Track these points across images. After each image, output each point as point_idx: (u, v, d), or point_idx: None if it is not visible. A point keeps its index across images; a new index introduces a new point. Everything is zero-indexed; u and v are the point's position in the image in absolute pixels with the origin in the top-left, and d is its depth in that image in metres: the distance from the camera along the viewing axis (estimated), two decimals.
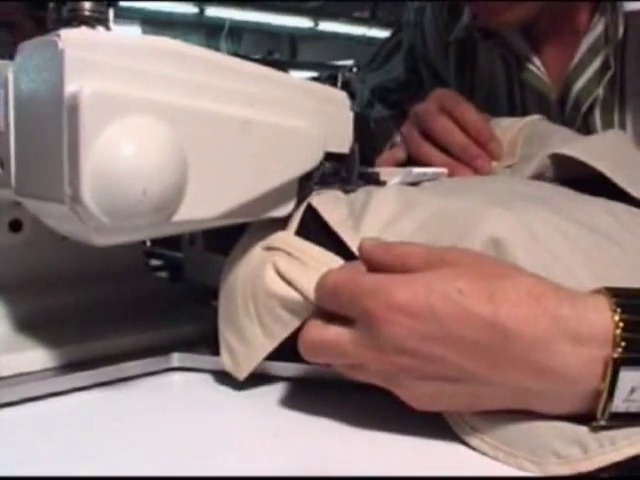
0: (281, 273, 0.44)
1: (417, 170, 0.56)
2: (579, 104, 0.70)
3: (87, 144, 0.36)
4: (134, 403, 0.46)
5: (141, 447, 0.40)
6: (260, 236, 0.47)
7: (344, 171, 0.51)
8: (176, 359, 0.50)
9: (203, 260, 0.58)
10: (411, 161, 0.65)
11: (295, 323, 0.43)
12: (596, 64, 0.69)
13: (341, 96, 0.50)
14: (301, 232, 0.46)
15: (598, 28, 0.68)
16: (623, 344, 0.35)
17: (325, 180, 0.50)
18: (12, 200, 0.45)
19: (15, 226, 0.53)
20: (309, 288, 0.42)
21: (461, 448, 0.39)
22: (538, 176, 0.57)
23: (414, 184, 0.53)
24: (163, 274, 0.69)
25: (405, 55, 0.93)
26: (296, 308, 0.43)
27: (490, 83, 0.79)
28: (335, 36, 7.34)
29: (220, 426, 0.43)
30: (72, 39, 0.37)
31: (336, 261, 0.44)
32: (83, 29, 0.39)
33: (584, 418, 0.37)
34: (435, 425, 0.40)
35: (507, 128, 0.64)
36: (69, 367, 0.48)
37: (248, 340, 0.45)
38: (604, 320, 0.36)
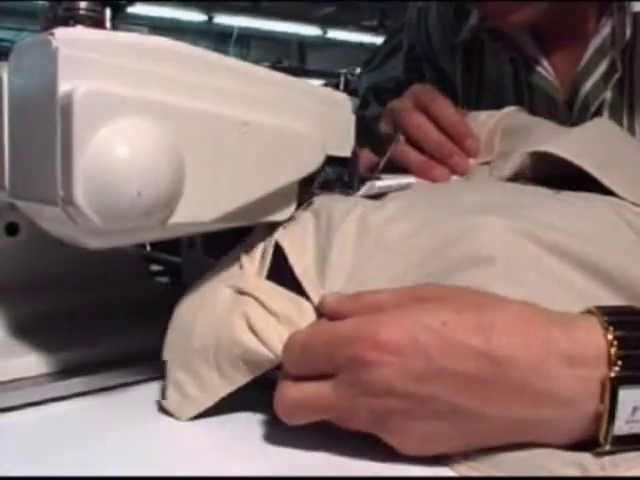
0: (252, 326, 0.41)
1: (380, 183, 0.52)
2: (587, 107, 0.70)
3: (80, 144, 0.35)
4: (132, 409, 0.45)
5: (138, 453, 0.39)
6: (225, 274, 0.45)
7: (346, 175, 0.50)
8: None
9: (202, 265, 0.57)
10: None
11: (257, 372, 0.41)
12: (603, 66, 0.68)
13: (343, 98, 0.49)
14: (272, 274, 0.44)
15: (605, 30, 0.67)
16: (619, 362, 0.34)
17: (327, 184, 0.49)
18: (8, 203, 0.44)
19: (11, 229, 0.52)
20: (279, 347, 0.40)
21: None
22: (519, 174, 0.55)
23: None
24: (164, 279, 0.68)
25: (405, 55, 0.92)
26: (262, 361, 0.41)
27: (497, 85, 0.78)
28: (344, 44, 7.36)
29: (216, 433, 0.42)
30: (66, 38, 0.37)
31: (308, 312, 0.42)
32: (78, 28, 0.39)
33: (587, 445, 0.35)
34: None
35: (484, 122, 0.62)
36: (65, 373, 0.47)
37: (204, 381, 0.42)
38: (597, 339, 0.35)
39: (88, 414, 0.44)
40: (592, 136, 0.54)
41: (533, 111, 0.74)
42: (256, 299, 0.42)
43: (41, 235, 0.46)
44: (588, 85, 0.69)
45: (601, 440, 0.34)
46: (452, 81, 0.84)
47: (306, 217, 0.47)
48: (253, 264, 0.45)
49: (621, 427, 0.34)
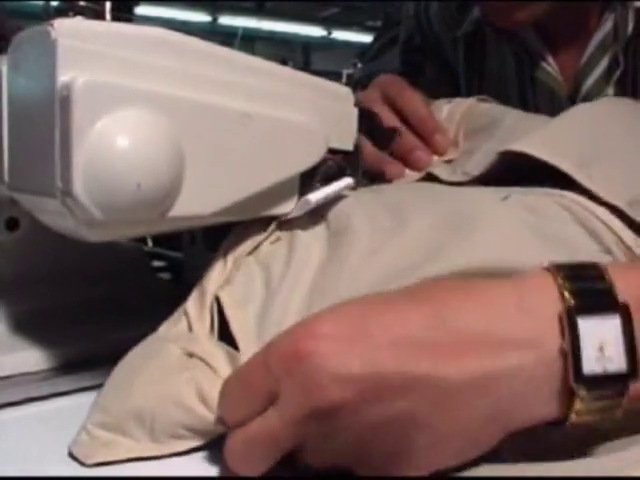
0: (201, 392, 0.37)
1: (314, 197, 0.46)
2: (587, 101, 0.69)
3: (79, 136, 0.35)
4: None
5: None
6: (175, 333, 0.43)
7: (349, 169, 0.50)
8: None
9: (204, 260, 0.57)
10: None
11: (198, 441, 0.37)
12: (605, 62, 0.68)
13: (345, 91, 0.48)
14: (223, 329, 0.41)
15: (607, 25, 0.67)
16: (573, 296, 0.32)
17: (329, 178, 0.49)
18: (8, 198, 0.44)
19: (11, 224, 0.52)
20: None
21: None
22: (486, 173, 0.51)
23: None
24: (165, 275, 0.68)
25: (402, 46, 0.92)
26: (207, 430, 0.37)
27: (500, 79, 0.78)
28: (348, 45, 7.36)
29: None
30: (66, 29, 0.36)
31: None
32: (78, 19, 0.38)
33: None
34: None
35: (451, 113, 0.59)
36: (66, 368, 0.47)
37: (131, 438, 0.38)
38: (546, 282, 0.33)
39: (88, 410, 0.44)
40: (579, 125, 0.50)
41: (537, 106, 0.73)
42: (205, 362, 0.39)
43: (41, 230, 0.46)
44: (590, 80, 0.69)
45: (571, 380, 0.31)
46: (456, 71, 0.84)
47: (252, 268, 0.45)
48: (203, 323, 0.43)
49: (592, 366, 0.32)
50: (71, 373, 0.46)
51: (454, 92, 0.81)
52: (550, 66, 0.72)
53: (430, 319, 0.32)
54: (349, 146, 0.49)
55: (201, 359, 0.39)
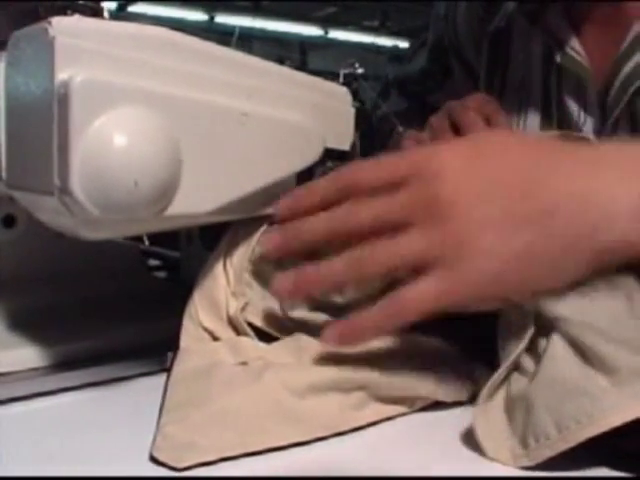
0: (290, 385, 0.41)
1: None
2: (626, 87, 0.68)
3: (77, 134, 0.35)
4: (127, 403, 0.45)
5: (132, 449, 0.39)
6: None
7: None
8: (171, 360, 0.49)
9: (200, 259, 0.57)
10: None
11: (275, 439, 0.39)
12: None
13: (342, 91, 0.49)
14: None
15: None
16: None
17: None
18: (6, 195, 0.44)
19: (9, 221, 0.52)
20: None
21: (459, 448, 0.38)
22: None
23: None
24: (162, 274, 0.68)
25: (431, 46, 0.92)
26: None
27: (524, 77, 0.78)
28: (345, 44, 7.36)
29: None
30: (63, 27, 0.36)
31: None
32: (76, 17, 0.38)
33: None
34: (432, 424, 0.39)
35: None
36: (61, 366, 0.47)
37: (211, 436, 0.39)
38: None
39: (84, 407, 0.44)
40: None
41: (560, 95, 0.73)
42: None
43: (38, 228, 0.46)
44: (627, 69, 0.67)
45: None
46: (476, 72, 0.84)
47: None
48: (228, 333, 0.46)
49: None
50: (67, 370, 0.46)
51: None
52: (578, 54, 0.72)
53: (542, 153, 0.37)
54: (346, 146, 0.49)
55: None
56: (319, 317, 0.45)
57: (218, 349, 0.45)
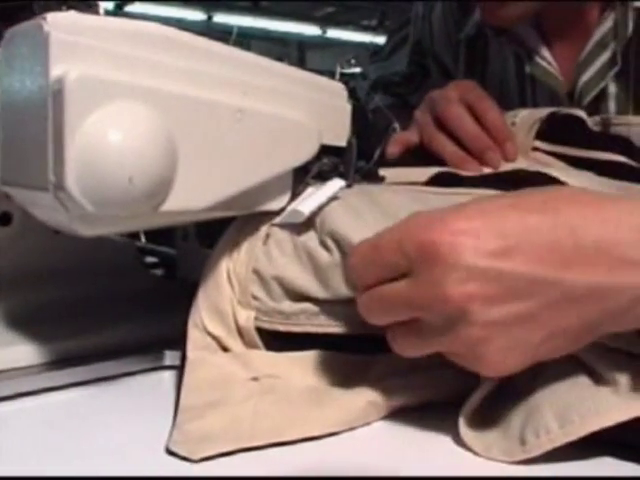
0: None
1: (307, 207, 0.45)
2: (582, 98, 0.70)
3: (72, 130, 0.35)
4: (124, 401, 0.45)
5: (129, 446, 0.39)
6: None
7: (342, 166, 0.50)
8: (168, 357, 0.49)
9: (196, 256, 0.57)
10: (423, 146, 0.63)
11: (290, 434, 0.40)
12: (603, 58, 0.68)
13: (338, 88, 0.48)
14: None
15: (607, 23, 0.67)
16: None
17: (322, 174, 0.49)
18: (1, 192, 0.44)
19: (5, 219, 0.51)
20: None
21: (457, 448, 0.38)
22: None
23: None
24: (158, 271, 0.68)
25: (411, 48, 0.92)
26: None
27: (501, 80, 0.78)
28: (343, 44, 7.35)
29: None
30: (58, 22, 0.36)
31: None
32: (71, 13, 0.38)
33: None
34: (431, 424, 0.39)
35: (524, 119, 0.62)
36: (57, 363, 0.47)
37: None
38: None
39: (81, 404, 0.44)
40: None
41: (536, 105, 0.74)
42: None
43: (34, 225, 0.46)
44: (586, 76, 0.69)
45: None
46: (453, 77, 0.84)
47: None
48: (236, 341, 0.46)
49: None
50: (63, 368, 0.46)
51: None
52: (549, 64, 0.72)
53: (561, 229, 0.35)
54: (342, 142, 0.49)
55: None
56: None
57: (228, 363, 0.45)
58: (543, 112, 0.61)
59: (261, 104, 0.42)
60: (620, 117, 0.64)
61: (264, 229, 0.47)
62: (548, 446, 0.35)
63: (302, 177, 0.47)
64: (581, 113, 0.60)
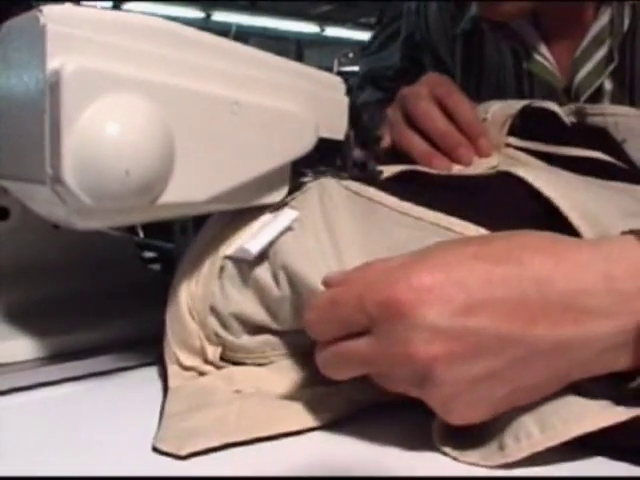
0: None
1: (255, 246, 0.44)
2: (579, 95, 0.69)
3: (68, 122, 0.35)
4: (121, 395, 0.45)
5: (128, 439, 0.39)
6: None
7: (339, 159, 0.50)
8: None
9: None
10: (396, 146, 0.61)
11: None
12: (599, 55, 0.68)
13: (336, 81, 0.48)
14: None
15: (603, 19, 0.67)
16: None
17: (319, 168, 0.49)
18: None
19: (2, 214, 0.51)
20: None
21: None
22: None
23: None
24: (156, 266, 0.68)
25: (403, 42, 0.92)
26: None
27: (498, 75, 0.78)
28: (341, 41, 7.35)
29: None
30: (55, 14, 0.36)
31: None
32: (67, 5, 0.38)
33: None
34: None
35: (495, 115, 0.60)
36: (55, 357, 0.47)
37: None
38: (634, 254, 0.34)
39: (77, 399, 0.44)
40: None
41: (533, 99, 0.73)
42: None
43: (32, 220, 0.46)
44: (583, 73, 0.69)
45: None
46: (450, 71, 0.84)
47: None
48: (215, 353, 0.46)
49: None
50: (60, 362, 0.46)
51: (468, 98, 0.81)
52: (546, 60, 0.72)
53: (526, 283, 0.34)
54: (340, 135, 0.49)
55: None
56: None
57: (212, 380, 0.45)
58: (515, 106, 0.60)
59: (258, 97, 0.42)
60: (595, 106, 0.63)
61: (218, 262, 0.46)
62: (528, 451, 0.34)
63: (299, 170, 0.47)
64: (555, 107, 0.59)
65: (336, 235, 0.44)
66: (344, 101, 0.49)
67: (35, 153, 0.37)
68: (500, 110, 0.60)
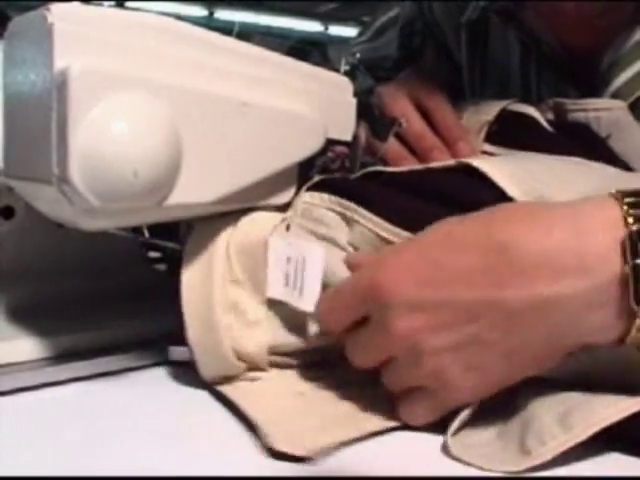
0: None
1: (306, 305, 0.43)
2: (617, 97, 0.64)
3: (76, 122, 0.35)
4: (127, 396, 0.45)
5: (130, 441, 0.38)
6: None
7: (347, 160, 0.50)
8: (171, 353, 0.49)
9: None
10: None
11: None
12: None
13: (344, 81, 0.48)
14: None
15: None
16: (637, 219, 0.33)
17: (328, 169, 0.49)
18: (4, 186, 0.44)
19: (7, 213, 0.51)
20: None
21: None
22: None
23: None
24: (162, 266, 0.67)
25: (401, 30, 0.89)
26: None
27: (503, 66, 0.76)
28: (345, 40, 7.34)
29: (213, 420, 0.41)
30: (62, 13, 0.36)
31: None
32: (75, 4, 0.38)
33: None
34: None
35: (469, 120, 0.58)
36: (60, 358, 0.46)
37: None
38: (608, 206, 0.34)
39: (83, 400, 0.44)
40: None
41: (539, 94, 0.71)
42: None
43: (37, 219, 0.45)
44: (623, 78, 0.63)
45: (632, 305, 0.33)
46: (456, 59, 0.82)
47: None
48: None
49: None
50: (65, 363, 0.46)
51: (453, 78, 0.79)
52: (556, 51, 0.70)
53: (492, 249, 0.35)
54: (348, 137, 0.48)
55: None
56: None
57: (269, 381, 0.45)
58: (490, 111, 0.58)
59: (266, 97, 0.42)
60: (576, 102, 0.59)
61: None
62: (554, 452, 0.34)
63: (307, 171, 0.47)
64: (533, 111, 0.57)
65: None
66: (352, 102, 0.48)
67: (42, 153, 0.37)
68: (474, 115, 0.59)
